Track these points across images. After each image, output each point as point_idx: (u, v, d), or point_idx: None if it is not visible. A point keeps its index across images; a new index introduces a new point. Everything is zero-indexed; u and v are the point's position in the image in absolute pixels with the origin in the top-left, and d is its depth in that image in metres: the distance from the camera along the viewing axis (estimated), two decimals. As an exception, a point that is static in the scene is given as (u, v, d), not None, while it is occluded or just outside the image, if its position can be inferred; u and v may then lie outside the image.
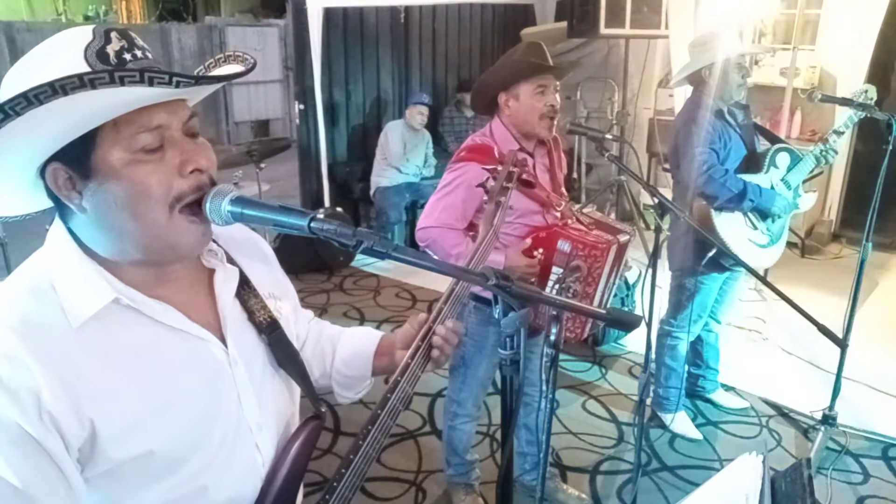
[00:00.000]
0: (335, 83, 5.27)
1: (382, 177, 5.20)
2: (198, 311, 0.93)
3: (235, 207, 0.85)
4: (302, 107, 5.14)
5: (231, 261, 1.00)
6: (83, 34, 0.81)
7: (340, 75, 5.30)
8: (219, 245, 1.00)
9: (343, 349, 1.23)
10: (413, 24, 5.71)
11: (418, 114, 5.16)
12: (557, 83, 2.16)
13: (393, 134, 5.16)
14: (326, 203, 5.35)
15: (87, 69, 0.78)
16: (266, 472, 0.98)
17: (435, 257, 2.06)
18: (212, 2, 14.20)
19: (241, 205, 0.85)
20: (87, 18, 12.04)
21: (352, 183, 5.52)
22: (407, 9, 5.58)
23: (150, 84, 0.76)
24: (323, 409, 1.05)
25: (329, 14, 5.00)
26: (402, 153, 5.14)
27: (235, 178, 4.07)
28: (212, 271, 0.97)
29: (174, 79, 0.78)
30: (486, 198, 1.51)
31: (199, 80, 0.82)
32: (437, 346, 1.10)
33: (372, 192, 5.28)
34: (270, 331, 1.01)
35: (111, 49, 0.81)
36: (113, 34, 0.82)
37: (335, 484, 0.92)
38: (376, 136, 5.32)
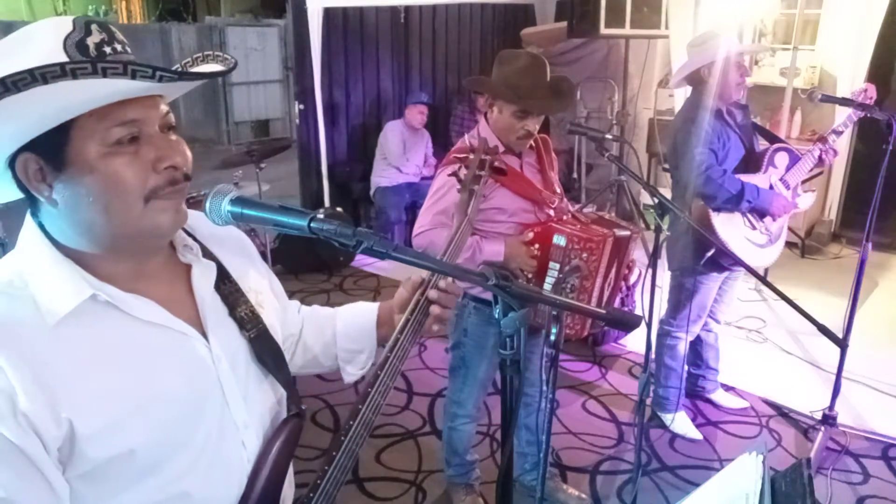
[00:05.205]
0: (335, 83, 5.27)
1: (382, 177, 5.20)
2: (178, 307, 0.92)
3: (235, 207, 0.85)
4: (302, 107, 5.14)
5: (208, 255, 0.99)
6: (63, 24, 0.80)
7: (340, 75, 5.30)
8: (195, 240, 0.99)
9: (342, 324, 1.23)
10: (413, 24, 5.71)
11: (418, 113, 5.16)
12: None
13: (392, 134, 5.16)
14: (326, 203, 5.35)
15: (67, 59, 0.77)
16: (249, 471, 0.97)
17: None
18: (212, 2, 14.20)
19: (241, 205, 0.85)
20: (87, 18, 12.04)
21: (352, 183, 5.52)
22: (407, 9, 5.58)
23: (133, 77, 0.75)
24: (304, 408, 1.05)
25: (329, 14, 5.00)
26: (401, 153, 5.13)
27: (235, 178, 4.06)
28: (189, 267, 0.96)
29: (157, 73, 0.77)
30: (458, 187, 1.50)
31: (182, 76, 0.82)
32: (434, 306, 1.09)
33: (372, 192, 5.28)
34: (252, 326, 1.00)
35: (91, 41, 0.80)
36: (93, 26, 0.81)
37: (319, 480, 0.95)
38: (376, 136, 5.32)
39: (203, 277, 0.96)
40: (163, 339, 0.89)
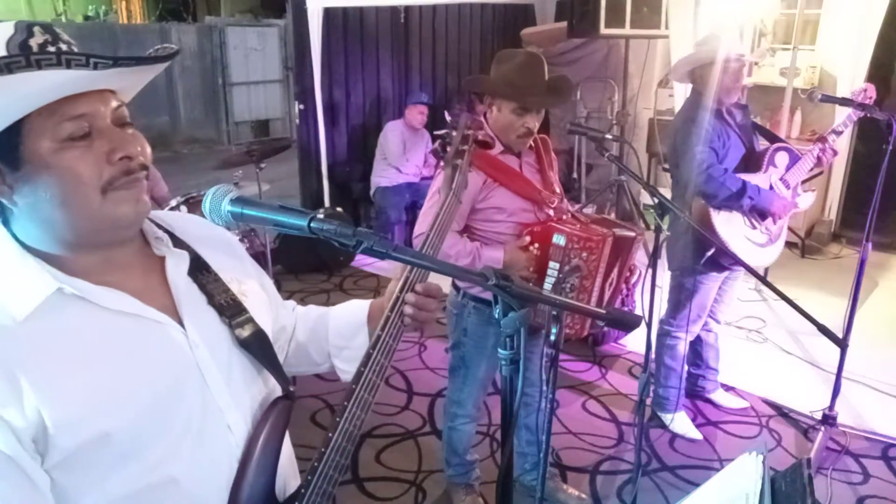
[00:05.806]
0: (335, 83, 5.27)
1: (382, 177, 5.20)
2: (152, 296, 0.93)
3: (235, 207, 0.86)
4: (302, 107, 5.15)
5: (179, 245, 1.00)
6: (5, 28, 0.81)
7: (340, 75, 5.30)
8: (164, 231, 1.00)
9: (335, 321, 1.24)
10: (413, 24, 5.71)
11: (418, 113, 5.16)
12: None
13: (392, 134, 5.16)
14: (326, 203, 5.35)
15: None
16: (239, 455, 0.97)
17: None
18: (212, 2, 14.20)
19: (241, 205, 0.86)
20: (86, 18, 12.04)
21: (352, 183, 5.52)
22: (407, 9, 5.58)
23: (68, 66, 0.77)
24: (292, 389, 1.05)
25: (329, 14, 5.00)
26: (401, 153, 5.14)
27: (235, 178, 4.06)
28: (164, 259, 0.97)
29: (91, 59, 0.78)
30: (441, 163, 1.49)
31: (117, 62, 0.82)
32: (408, 312, 1.10)
33: (372, 192, 5.28)
34: (233, 313, 1.00)
35: (34, 42, 0.81)
36: (36, 28, 0.82)
37: (316, 464, 0.97)
38: (376, 136, 5.32)
39: (176, 266, 0.97)
40: (136, 327, 0.90)
